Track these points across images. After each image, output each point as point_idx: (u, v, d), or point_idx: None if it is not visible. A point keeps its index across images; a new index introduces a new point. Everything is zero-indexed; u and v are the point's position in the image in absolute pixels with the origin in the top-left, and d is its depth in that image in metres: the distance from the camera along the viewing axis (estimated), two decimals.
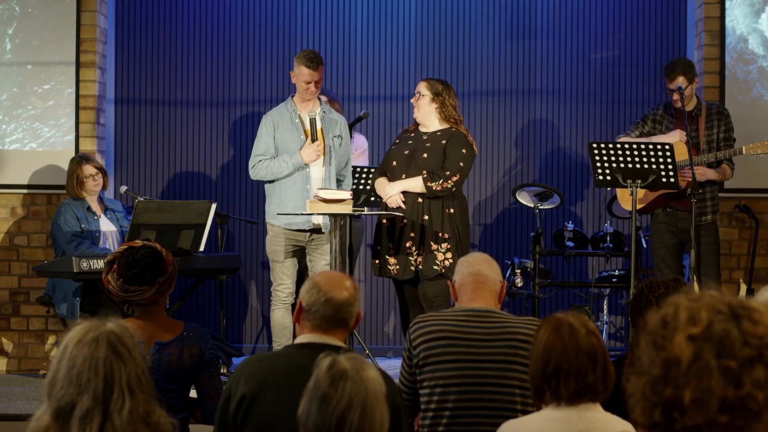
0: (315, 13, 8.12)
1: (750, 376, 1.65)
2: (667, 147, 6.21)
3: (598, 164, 6.28)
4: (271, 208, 6.43)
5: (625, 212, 6.97)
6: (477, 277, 3.89)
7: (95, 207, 6.85)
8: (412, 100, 6.35)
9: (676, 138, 6.50)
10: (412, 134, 6.36)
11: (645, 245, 7.23)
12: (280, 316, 6.37)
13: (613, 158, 6.25)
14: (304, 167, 6.35)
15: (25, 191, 7.46)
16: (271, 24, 8.12)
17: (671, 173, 6.22)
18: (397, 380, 3.61)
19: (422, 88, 6.29)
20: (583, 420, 2.97)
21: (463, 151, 6.19)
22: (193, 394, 3.97)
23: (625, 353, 4.20)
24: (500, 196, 8.14)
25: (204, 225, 6.41)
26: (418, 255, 6.12)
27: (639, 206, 6.49)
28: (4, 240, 7.47)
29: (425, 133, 6.29)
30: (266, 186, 6.50)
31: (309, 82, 6.37)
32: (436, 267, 6.07)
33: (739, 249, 7.44)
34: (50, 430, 2.40)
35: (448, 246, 6.08)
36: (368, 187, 6.74)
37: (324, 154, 6.37)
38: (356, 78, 8.13)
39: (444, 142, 6.20)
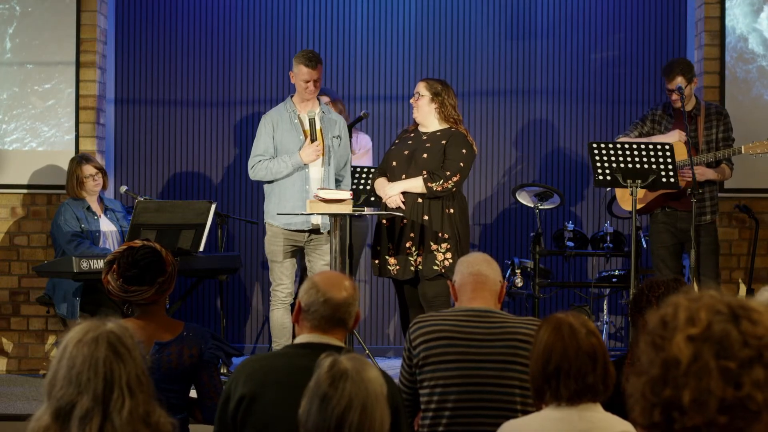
0: (315, 13, 8.12)
1: (749, 376, 1.65)
2: (667, 147, 6.21)
3: (598, 164, 6.28)
4: (270, 208, 6.43)
5: (624, 212, 6.97)
6: (477, 277, 3.89)
7: (95, 207, 6.85)
8: (411, 101, 6.35)
9: (675, 138, 6.50)
10: (412, 134, 6.36)
11: (645, 245, 7.23)
12: (280, 316, 6.38)
13: (613, 158, 6.26)
14: (304, 167, 6.35)
15: (25, 191, 7.46)
16: (271, 24, 8.12)
17: (671, 173, 6.22)
18: (397, 380, 3.61)
19: (421, 88, 6.29)
20: (583, 420, 2.97)
21: (463, 151, 6.19)
22: (193, 394, 3.97)
23: (625, 353, 4.20)
24: (500, 196, 8.14)
25: (204, 225, 6.41)
26: (417, 255, 6.12)
27: (638, 206, 6.49)
28: (4, 240, 7.47)
29: (425, 133, 6.29)
30: (265, 186, 6.50)
31: (308, 81, 6.36)
32: (435, 267, 6.07)
33: (739, 249, 7.44)
34: (50, 430, 2.40)
35: (448, 246, 6.07)
36: (368, 187, 6.73)
37: (323, 155, 6.37)
38: (356, 78, 8.13)
39: (444, 142, 6.20)
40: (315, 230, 6.37)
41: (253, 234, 8.03)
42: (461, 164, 6.16)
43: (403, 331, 6.81)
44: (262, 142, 6.44)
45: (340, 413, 2.34)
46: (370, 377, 2.39)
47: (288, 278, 6.41)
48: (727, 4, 7.41)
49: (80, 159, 6.91)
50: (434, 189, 6.10)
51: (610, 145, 6.30)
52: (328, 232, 6.19)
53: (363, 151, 7.38)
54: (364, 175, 6.90)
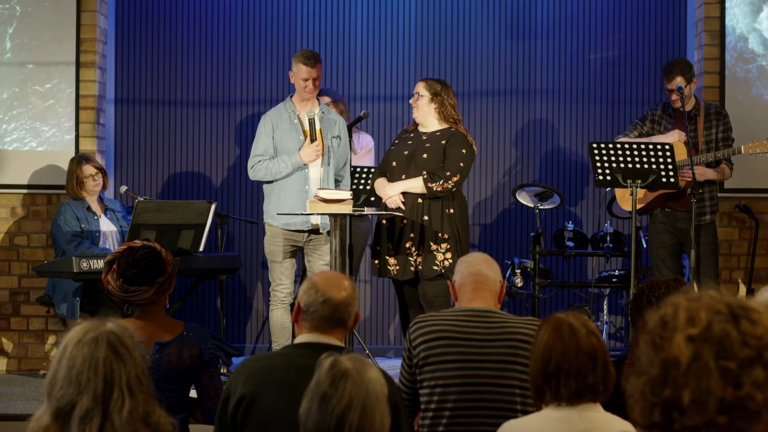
0: (315, 13, 8.12)
1: (749, 376, 1.65)
2: (667, 147, 6.21)
3: (598, 164, 6.28)
4: (270, 208, 6.43)
5: (624, 212, 6.97)
6: (477, 277, 3.89)
7: (95, 207, 6.85)
8: (410, 101, 6.35)
9: (675, 138, 6.50)
10: (412, 134, 6.36)
11: (645, 245, 7.23)
12: (279, 316, 6.38)
13: (613, 158, 6.26)
14: (303, 168, 6.35)
15: (25, 191, 7.46)
16: (271, 24, 8.12)
17: (671, 173, 6.22)
18: (397, 380, 3.61)
19: (420, 88, 6.28)
20: (583, 420, 2.97)
21: (463, 151, 6.19)
22: (193, 394, 3.97)
23: (625, 353, 4.20)
24: (500, 196, 8.14)
25: (204, 225, 6.41)
26: (417, 255, 6.12)
27: (638, 206, 6.49)
28: (4, 240, 7.47)
29: (425, 134, 6.29)
30: (265, 186, 6.50)
31: (307, 79, 6.36)
32: (435, 267, 6.06)
33: (739, 249, 7.44)
34: (50, 430, 2.40)
35: (448, 246, 6.07)
36: (368, 187, 6.73)
37: (323, 155, 6.37)
38: (356, 78, 8.13)
39: (444, 142, 6.20)
40: (314, 230, 6.37)
41: (253, 234, 8.03)
42: (461, 164, 6.16)
43: (403, 331, 6.81)
44: (261, 143, 6.43)
45: (341, 413, 2.34)
46: (370, 377, 2.38)
47: (287, 278, 6.41)
48: (727, 4, 7.41)
49: (80, 159, 6.91)
50: (434, 189, 6.10)
51: (610, 145, 6.30)
52: (327, 232, 6.19)
53: (365, 150, 7.38)
54: (364, 175, 6.90)
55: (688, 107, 6.58)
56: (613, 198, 7.23)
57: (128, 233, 6.28)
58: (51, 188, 7.42)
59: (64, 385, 2.38)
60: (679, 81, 6.47)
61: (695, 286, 6.02)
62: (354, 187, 6.75)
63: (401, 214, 6.14)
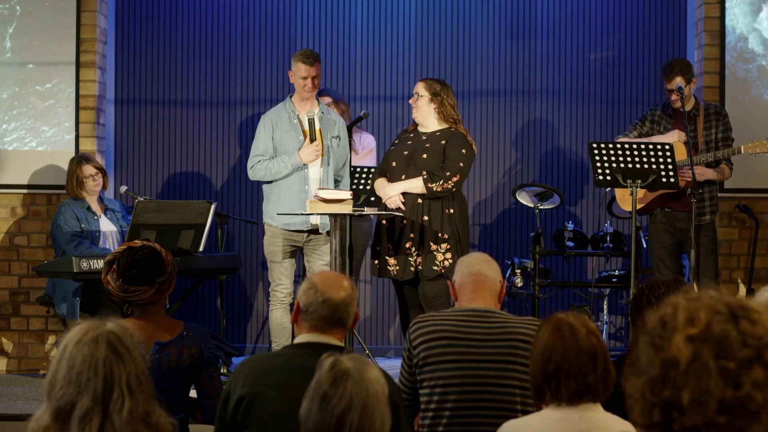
0: (315, 13, 8.12)
1: (749, 376, 1.65)
2: (667, 147, 6.21)
3: (598, 164, 6.28)
4: (269, 208, 6.43)
5: (624, 212, 6.97)
6: (477, 277, 3.89)
7: (95, 207, 6.85)
8: (410, 101, 6.35)
9: (674, 138, 6.50)
10: (411, 134, 6.35)
11: (645, 245, 7.23)
12: (279, 316, 6.38)
13: (613, 158, 6.26)
14: (303, 168, 6.35)
15: (25, 191, 7.46)
16: (271, 24, 8.12)
17: (671, 173, 6.22)
18: (397, 380, 3.61)
19: (420, 88, 6.28)
20: (583, 420, 2.97)
21: (463, 151, 6.18)
22: (193, 394, 3.97)
23: (625, 353, 4.20)
24: (500, 196, 8.14)
25: (204, 225, 6.41)
26: (417, 255, 6.12)
27: (638, 206, 6.49)
28: (4, 240, 7.47)
29: (424, 134, 6.29)
30: (264, 186, 6.50)
31: (306, 78, 6.36)
32: (435, 267, 6.06)
33: (738, 249, 7.44)
34: (50, 430, 2.40)
35: (448, 246, 6.07)
36: (368, 188, 6.73)
37: (322, 155, 6.37)
38: (356, 78, 8.13)
39: (443, 142, 6.20)
40: (314, 230, 6.37)
41: (253, 234, 8.03)
42: (461, 164, 6.16)
43: (403, 331, 6.81)
44: (261, 143, 6.43)
45: (341, 413, 2.34)
46: (371, 377, 2.39)
47: (287, 278, 6.41)
48: (727, 4, 7.41)
49: (80, 159, 6.91)
50: (434, 189, 6.10)
51: (610, 145, 6.30)
52: (327, 232, 6.19)
53: (367, 150, 7.37)
54: (364, 175, 6.90)
55: (688, 107, 6.58)
56: (613, 198, 7.23)
57: (128, 233, 6.28)
58: (51, 188, 7.42)
59: (64, 385, 2.38)
60: (678, 81, 6.47)
61: (695, 286, 6.02)
62: (354, 187, 6.74)
63: (401, 215, 6.14)
